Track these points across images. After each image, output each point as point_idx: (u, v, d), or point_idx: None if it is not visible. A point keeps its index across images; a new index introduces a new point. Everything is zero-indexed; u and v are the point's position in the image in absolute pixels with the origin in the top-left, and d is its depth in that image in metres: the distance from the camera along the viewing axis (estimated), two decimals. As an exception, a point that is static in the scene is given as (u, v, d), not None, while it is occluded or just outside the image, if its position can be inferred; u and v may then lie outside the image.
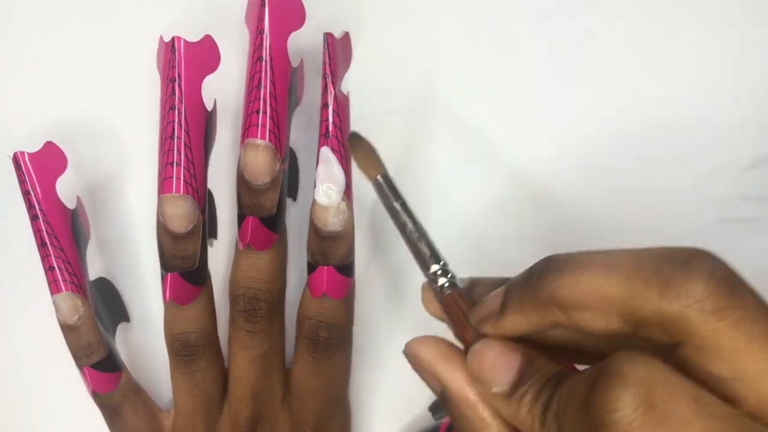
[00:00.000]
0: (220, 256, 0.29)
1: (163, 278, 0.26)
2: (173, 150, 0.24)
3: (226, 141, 0.29)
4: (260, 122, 0.25)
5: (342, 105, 0.25)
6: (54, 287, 0.26)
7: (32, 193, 0.26)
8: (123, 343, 0.31)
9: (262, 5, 0.25)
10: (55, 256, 0.26)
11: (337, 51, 0.25)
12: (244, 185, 0.25)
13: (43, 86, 0.31)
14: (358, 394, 0.30)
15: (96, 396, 0.27)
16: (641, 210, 0.30)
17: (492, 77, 0.30)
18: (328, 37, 0.25)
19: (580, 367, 0.19)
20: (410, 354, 0.21)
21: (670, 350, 0.16)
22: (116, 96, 0.31)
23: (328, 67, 0.25)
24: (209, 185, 0.27)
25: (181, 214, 0.25)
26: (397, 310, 0.31)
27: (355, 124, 0.26)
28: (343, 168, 0.25)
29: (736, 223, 0.30)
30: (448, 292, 0.21)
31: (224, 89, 0.27)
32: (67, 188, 0.27)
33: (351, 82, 0.27)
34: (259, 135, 0.24)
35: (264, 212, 0.25)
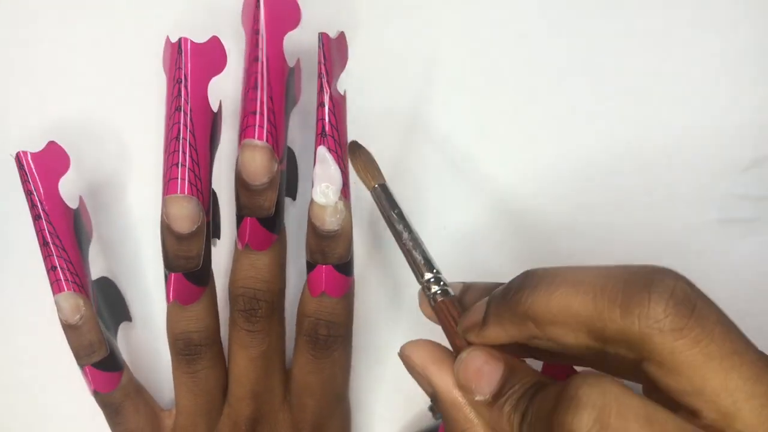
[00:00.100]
0: (220, 256, 0.29)
1: (167, 278, 0.26)
2: (178, 151, 0.25)
3: (227, 141, 0.29)
4: (257, 123, 0.25)
5: (338, 104, 0.25)
6: (56, 287, 0.26)
7: (35, 193, 0.26)
8: (124, 342, 0.31)
9: (257, 6, 0.25)
10: (57, 256, 0.26)
11: (333, 51, 0.26)
12: (242, 186, 0.25)
13: (45, 86, 0.31)
14: (358, 394, 0.30)
15: (97, 395, 0.27)
16: (641, 210, 0.30)
17: (492, 78, 0.30)
18: (323, 36, 0.25)
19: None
20: (404, 357, 0.22)
21: (638, 364, 0.17)
22: (118, 96, 0.31)
23: (323, 66, 0.25)
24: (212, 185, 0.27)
25: (186, 214, 0.25)
26: (397, 309, 0.31)
27: (353, 124, 0.26)
28: (339, 167, 0.25)
29: (736, 223, 0.30)
30: (440, 299, 0.22)
31: (224, 89, 0.27)
32: (69, 188, 0.28)
33: (348, 81, 0.27)
34: (256, 136, 0.25)
35: (262, 213, 0.25)
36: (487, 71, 0.30)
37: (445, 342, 0.22)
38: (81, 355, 0.27)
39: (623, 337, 0.17)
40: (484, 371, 0.20)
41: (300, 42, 0.27)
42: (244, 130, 0.25)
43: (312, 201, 0.25)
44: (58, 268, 0.26)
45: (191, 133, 0.25)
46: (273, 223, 0.26)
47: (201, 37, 0.25)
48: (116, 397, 0.27)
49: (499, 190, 0.30)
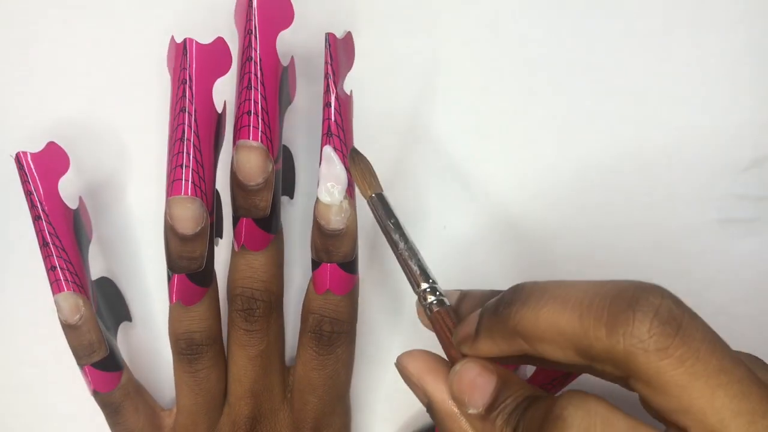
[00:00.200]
0: (220, 256, 0.29)
1: (170, 279, 0.26)
2: (183, 152, 0.25)
3: (226, 141, 0.29)
4: (251, 123, 0.25)
5: (344, 104, 0.25)
6: (55, 287, 0.26)
7: (35, 193, 0.26)
8: (125, 342, 0.31)
9: (250, 5, 0.25)
10: (56, 256, 0.26)
11: (339, 50, 0.26)
12: (237, 186, 0.25)
13: (45, 86, 0.31)
14: (358, 394, 0.30)
15: (97, 395, 0.27)
16: (641, 210, 0.30)
17: (491, 78, 0.30)
18: (330, 36, 0.25)
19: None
20: (400, 367, 0.22)
21: (627, 380, 0.17)
22: (118, 96, 0.31)
23: (329, 66, 0.25)
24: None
25: (189, 216, 0.25)
26: (398, 309, 0.31)
27: (356, 124, 0.27)
28: (345, 166, 0.25)
29: (735, 223, 0.30)
30: (436, 309, 0.22)
31: (227, 90, 0.27)
32: (69, 188, 0.28)
33: (348, 82, 0.27)
34: (250, 136, 0.25)
35: (258, 213, 0.26)
36: (487, 71, 0.30)
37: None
38: (80, 355, 0.27)
39: (609, 356, 0.17)
40: (477, 384, 0.20)
41: (293, 41, 0.27)
42: (239, 131, 0.25)
43: (317, 200, 0.25)
44: (58, 268, 0.26)
45: (195, 134, 0.25)
46: (269, 223, 0.26)
47: (201, 37, 0.25)
48: (116, 397, 0.28)
49: (499, 190, 0.30)
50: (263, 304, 0.26)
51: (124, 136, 0.31)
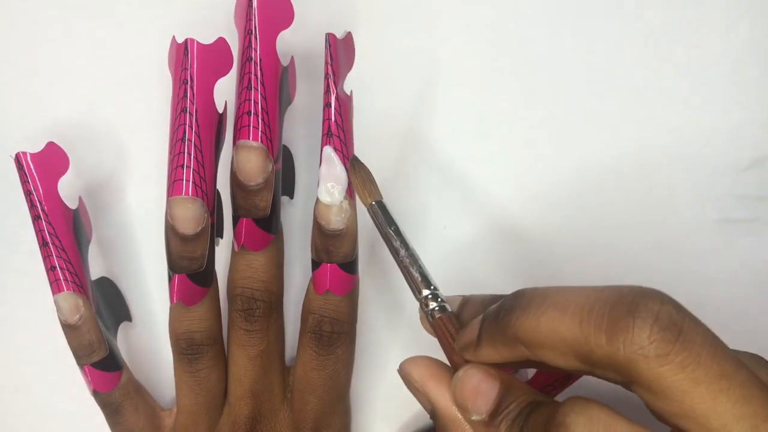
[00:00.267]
0: (221, 256, 0.29)
1: (170, 279, 0.26)
2: (184, 152, 0.25)
3: (226, 141, 0.29)
4: (251, 123, 0.25)
5: (344, 104, 0.25)
6: (55, 287, 0.26)
7: (34, 194, 0.26)
8: (124, 342, 0.31)
9: (250, 5, 0.25)
10: (56, 256, 0.26)
11: (339, 51, 0.26)
12: (237, 187, 0.25)
13: (45, 86, 0.31)
14: (358, 394, 0.30)
15: (96, 395, 0.27)
16: (641, 210, 0.30)
17: (492, 78, 0.30)
18: (330, 37, 0.25)
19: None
20: (403, 374, 0.22)
21: (629, 384, 0.17)
22: (118, 96, 0.31)
23: (329, 67, 0.25)
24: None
25: (190, 216, 0.25)
26: (398, 310, 0.31)
27: (356, 124, 0.27)
28: (345, 167, 0.25)
29: (735, 223, 0.30)
30: (438, 316, 0.22)
31: (228, 90, 0.27)
32: (68, 188, 0.28)
33: (347, 82, 0.27)
34: (250, 136, 0.25)
35: (258, 213, 0.26)
36: (487, 71, 0.30)
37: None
38: (80, 355, 0.27)
39: (610, 363, 0.17)
40: (480, 390, 0.20)
41: (293, 41, 0.27)
42: (239, 131, 0.25)
43: (317, 200, 0.25)
44: (58, 268, 0.26)
45: (197, 135, 0.25)
46: (269, 223, 0.26)
47: (200, 38, 0.25)
48: (116, 397, 0.28)
49: (499, 190, 0.30)
50: (263, 304, 0.26)
51: (124, 136, 0.31)
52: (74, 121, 0.31)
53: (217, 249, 0.27)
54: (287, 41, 0.26)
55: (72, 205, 0.27)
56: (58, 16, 0.31)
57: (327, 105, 0.25)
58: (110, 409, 0.28)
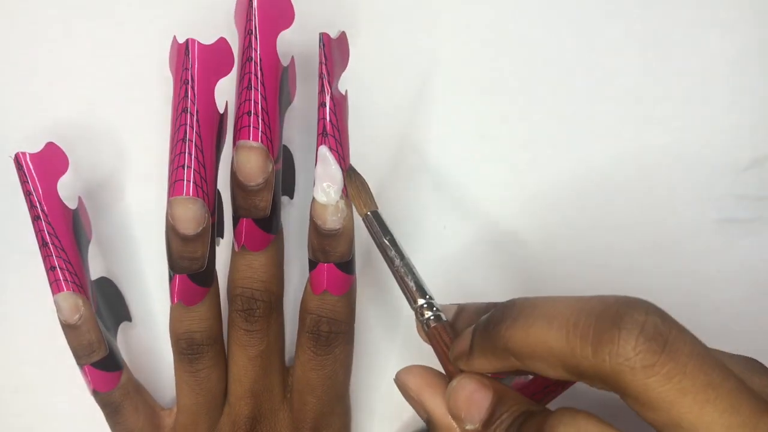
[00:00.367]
0: (221, 256, 0.29)
1: (171, 279, 0.26)
2: (185, 152, 0.25)
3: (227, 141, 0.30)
4: (251, 124, 0.25)
5: (339, 104, 0.25)
6: (55, 287, 0.26)
7: (34, 194, 0.26)
8: (124, 342, 0.31)
9: (250, 5, 0.25)
10: (56, 256, 0.26)
11: (334, 51, 0.26)
12: (237, 187, 0.25)
13: (44, 86, 0.31)
14: (358, 394, 0.30)
15: (96, 395, 0.27)
16: (640, 211, 0.30)
17: (491, 78, 0.30)
18: (324, 36, 0.25)
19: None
20: (399, 383, 0.22)
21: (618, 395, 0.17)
22: (118, 96, 0.31)
23: (324, 66, 0.25)
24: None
25: (191, 216, 0.25)
26: (396, 310, 0.31)
27: (351, 125, 0.27)
28: (341, 166, 0.25)
29: (735, 223, 0.30)
30: (433, 325, 0.22)
31: (229, 90, 0.27)
32: (68, 188, 0.28)
33: (346, 82, 0.27)
34: (250, 136, 0.25)
35: (258, 213, 0.26)
36: (487, 71, 0.30)
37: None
38: (80, 355, 0.27)
39: (596, 374, 0.17)
40: (474, 400, 0.20)
41: (293, 41, 0.27)
42: (239, 131, 0.25)
43: (314, 200, 0.25)
44: (57, 269, 0.26)
45: (198, 135, 0.25)
46: (269, 223, 0.26)
47: (200, 37, 0.25)
48: (115, 397, 0.28)
49: (499, 190, 0.30)
50: (263, 305, 0.26)
51: (124, 137, 0.31)
52: (74, 121, 0.31)
53: (217, 249, 0.27)
54: (287, 41, 0.26)
55: (72, 205, 0.27)
56: (58, 16, 0.31)
57: (322, 104, 0.25)
58: (110, 408, 0.28)
